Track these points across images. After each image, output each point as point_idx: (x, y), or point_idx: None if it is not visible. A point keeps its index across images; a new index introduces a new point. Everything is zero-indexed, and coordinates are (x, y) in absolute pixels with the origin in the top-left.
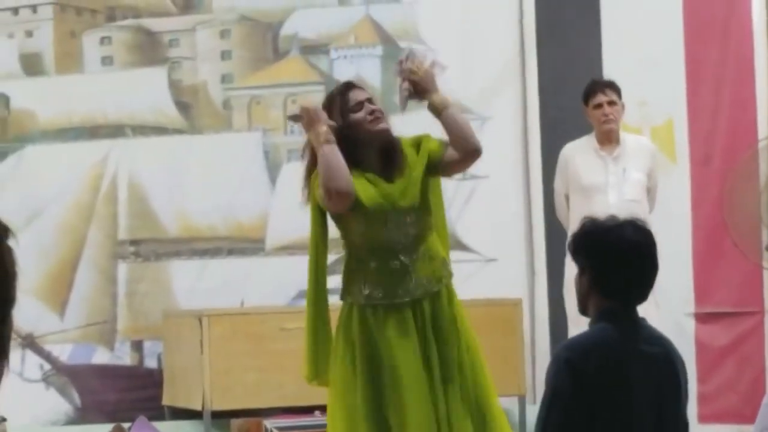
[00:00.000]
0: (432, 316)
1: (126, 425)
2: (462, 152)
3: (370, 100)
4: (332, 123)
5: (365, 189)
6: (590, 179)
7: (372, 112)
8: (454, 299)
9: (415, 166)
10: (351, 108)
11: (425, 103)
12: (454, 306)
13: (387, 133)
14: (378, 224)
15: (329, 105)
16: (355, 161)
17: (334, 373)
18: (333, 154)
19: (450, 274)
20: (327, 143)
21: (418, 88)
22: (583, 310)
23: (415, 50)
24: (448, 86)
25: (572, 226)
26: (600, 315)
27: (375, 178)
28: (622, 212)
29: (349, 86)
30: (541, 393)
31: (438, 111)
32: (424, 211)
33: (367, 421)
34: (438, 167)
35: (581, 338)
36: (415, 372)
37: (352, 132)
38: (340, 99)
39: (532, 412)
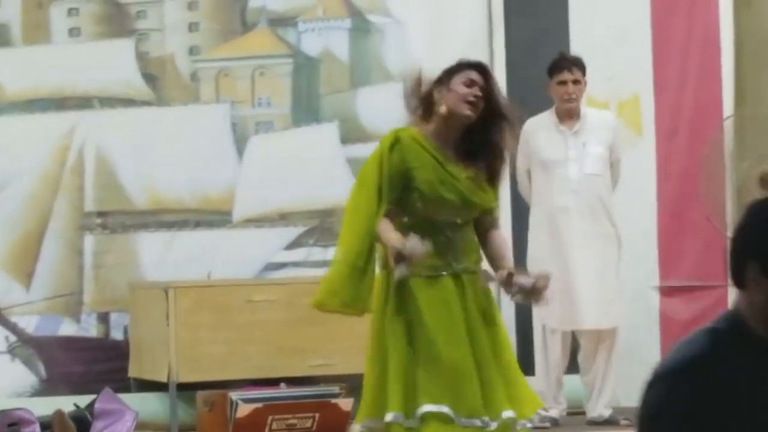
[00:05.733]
0: (473, 292)
1: (90, 398)
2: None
3: (482, 89)
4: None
5: (428, 175)
6: (550, 154)
7: (474, 97)
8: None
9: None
10: (463, 80)
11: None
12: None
13: (466, 119)
14: (436, 205)
15: (450, 69)
16: (426, 120)
17: (373, 328)
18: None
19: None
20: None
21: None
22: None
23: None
24: (415, 59)
25: (534, 201)
26: None
27: (444, 161)
28: (583, 186)
29: (479, 67)
30: None
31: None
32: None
33: (397, 377)
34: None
35: None
36: (456, 331)
37: (445, 96)
38: (460, 68)
39: None
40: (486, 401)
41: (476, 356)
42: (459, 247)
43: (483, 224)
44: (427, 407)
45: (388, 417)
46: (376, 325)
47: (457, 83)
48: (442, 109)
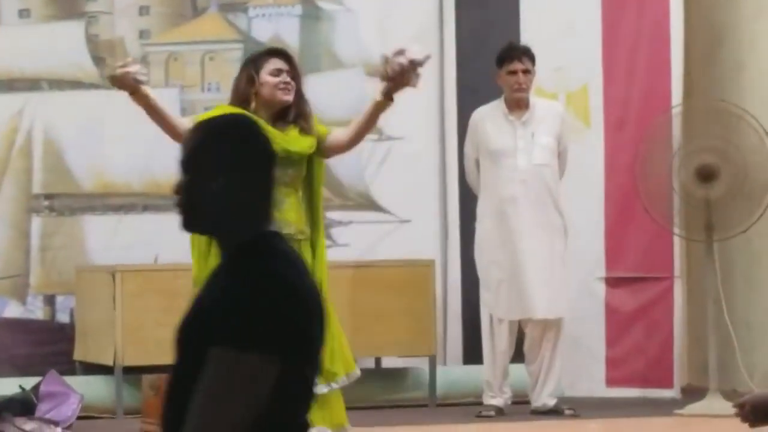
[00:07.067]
0: None
1: (35, 380)
2: (357, 140)
3: (288, 72)
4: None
5: None
6: (499, 144)
7: (284, 83)
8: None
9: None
10: (270, 71)
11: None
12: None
13: (285, 103)
14: None
15: (251, 60)
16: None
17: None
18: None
19: (308, 237)
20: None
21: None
22: None
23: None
24: (366, 48)
25: (482, 191)
26: None
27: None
28: (531, 176)
29: (276, 52)
30: (452, 353)
31: (386, 101)
32: (302, 167)
33: None
34: (320, 148)
35: None
36: None
37: (258, 91)
38: (263, 60)
39: (442, 373)
40: None
41: None
42: (286, 213)
43: (331, 144)
44: None
45: None
46: (195, 273)
47: (265, 76)
48: (253, 105)
